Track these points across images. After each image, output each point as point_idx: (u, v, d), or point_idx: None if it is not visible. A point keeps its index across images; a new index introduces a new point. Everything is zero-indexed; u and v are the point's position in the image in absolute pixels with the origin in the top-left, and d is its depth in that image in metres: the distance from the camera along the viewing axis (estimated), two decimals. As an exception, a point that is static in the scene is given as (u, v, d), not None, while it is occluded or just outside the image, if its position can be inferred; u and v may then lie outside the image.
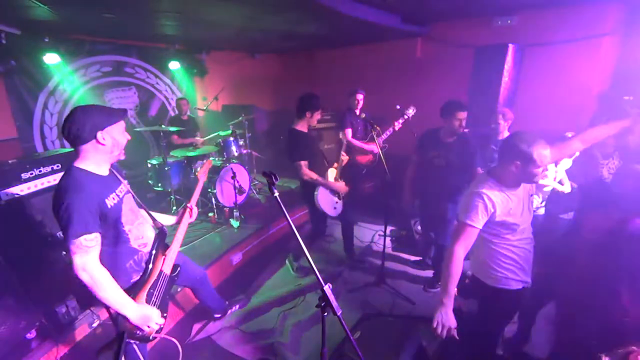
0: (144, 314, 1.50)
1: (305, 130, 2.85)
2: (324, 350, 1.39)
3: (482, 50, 3.97)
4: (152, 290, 1.65)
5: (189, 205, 1.99)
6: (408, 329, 2.55)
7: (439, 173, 2.81)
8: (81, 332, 2.41)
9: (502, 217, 1.60)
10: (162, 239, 1.82)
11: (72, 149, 1.48)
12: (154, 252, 1.73)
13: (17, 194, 2.27)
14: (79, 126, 1.39)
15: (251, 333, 2.59)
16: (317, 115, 2.81)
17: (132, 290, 1.58)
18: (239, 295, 2.98)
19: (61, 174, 2.47)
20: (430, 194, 2.95)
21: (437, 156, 2.81)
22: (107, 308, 1.49)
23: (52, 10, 2.84)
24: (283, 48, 6.17)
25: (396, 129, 3.74)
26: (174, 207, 4.16)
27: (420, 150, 2.95)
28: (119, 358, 1.12)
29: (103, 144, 1.45)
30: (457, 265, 1.59)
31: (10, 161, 2.32)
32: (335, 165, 3.10)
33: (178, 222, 1.96)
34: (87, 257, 1.36)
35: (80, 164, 1.46)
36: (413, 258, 3.57)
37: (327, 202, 3.01)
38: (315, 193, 2.92)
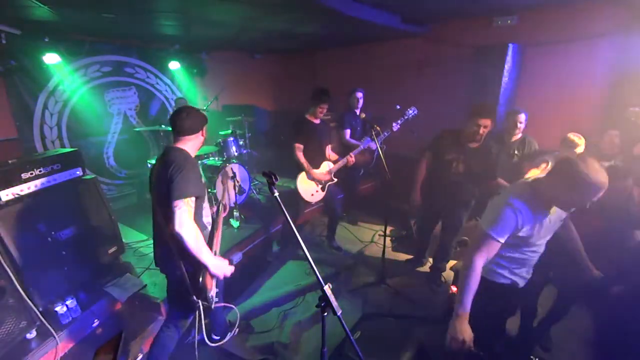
0: (220, 264, 1.78)
1: (313, 120, 3.12)
2: (324, 350, 1.39)
3: (482, 50, 3.97)
4: None
5: (223, 202, 2.23)
6: (408, 329, 2.55)
7: (455, 178, 2.67)
8: (81, 332, 2.41)
9: (526, 233, 1.52)
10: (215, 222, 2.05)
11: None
12: (214, 231, 1.97)
13: (17, 194, 2.27)
14: (195, 122, 1.80)
15: (251, 333, 2.59)
16: (321, 109, 3.04)
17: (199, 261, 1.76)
18: (239, 296, 2.98)
19: (61, 174, 2.51)
20: (442, 198, 2.82)
21: (455, 159, 2.65)
22: (185, 267, 1.71)
23: (52, 10, 2.84)
24: (283, 48, 6.16)
25: (394, 129, 3.75)
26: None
27: (436, 150, 2.79)
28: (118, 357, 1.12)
29: (203, 136, 1.89)
30: (476, 277, 1.51)
31: (10, 161, 2.31)
32: (335, 160, 3.28)
33: (214, 214, 2.16)
34: (187, 214, 1.61)
35: (182, 146, 1.79)
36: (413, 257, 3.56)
37: (306, 187, 3.19)
38: (298, 176, 3.11)
